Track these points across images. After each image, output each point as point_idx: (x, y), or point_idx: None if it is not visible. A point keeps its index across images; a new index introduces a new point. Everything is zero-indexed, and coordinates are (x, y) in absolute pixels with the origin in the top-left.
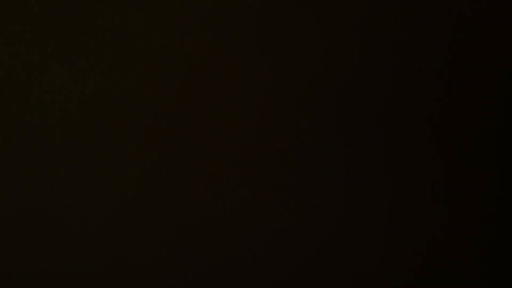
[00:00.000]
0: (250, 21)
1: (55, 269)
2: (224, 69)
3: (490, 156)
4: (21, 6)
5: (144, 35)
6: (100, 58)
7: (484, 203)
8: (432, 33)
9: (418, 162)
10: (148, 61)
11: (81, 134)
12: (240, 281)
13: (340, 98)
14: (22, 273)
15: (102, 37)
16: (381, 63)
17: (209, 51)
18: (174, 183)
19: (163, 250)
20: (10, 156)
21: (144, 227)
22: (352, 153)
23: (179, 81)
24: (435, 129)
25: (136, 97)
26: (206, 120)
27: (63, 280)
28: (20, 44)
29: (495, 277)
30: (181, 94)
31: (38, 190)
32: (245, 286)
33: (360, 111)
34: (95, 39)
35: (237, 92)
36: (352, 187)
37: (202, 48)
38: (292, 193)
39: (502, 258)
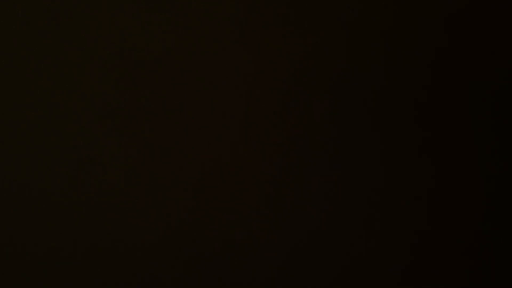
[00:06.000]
0: (241, 19)
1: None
2: (215, 68)
3: (488, 155)
4: (21, 6)
5: (139, 35)
6: (95, 58)
7: (481, 201)
8: (427, 30)
9: (412, 160)
10: (140, 60)
11: (80, 133)
12: (233, 279)
13: (332, 96)
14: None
15: (97, 38)
16: (375, 61)
17: (201, 49)
18: (168, 182)
19: (156, 248)
20: (11, 152)
21: (139, 227)
22: (345, 151)
23: (174, 81)
24: (430, 128)
25: (133, 96)
26: (198, 118)
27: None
28: (19, 44)
29: (493, 276)
30: (177, 94)
31: (39, 188)
32: (237, 283)
33: (353, 109)
34: (91, 39)
35: (228, 91)
36: (345, 184)
37: (195, 47)
38: (283, 191)
39: (498, 257)
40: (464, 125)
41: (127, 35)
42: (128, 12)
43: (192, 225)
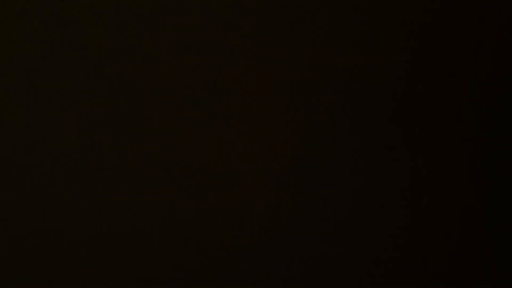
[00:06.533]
0: (247, 20)
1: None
2: (215, 68)
3: (488, 155)
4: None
5: (140, 34)
6: (94, 58)
7: (481, 201)
8: (427, 30)
9: (412, 160)
10: (146, 60)
11: (80, 133)
12: (233, 279)
13: (332, 96)
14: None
15: (97, 36)
16: (375, 61)
17: (206, 49)
18: (168, 181)
19: (156, 247)
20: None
21: (140, 226)
22: (345, 151)
23: (178, 81)
24: (430, 128)
25: (133, 97)
26: (198, 118)
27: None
28: (19, 44)
29: (493, 276)
30: (180, 94)
31: (38, 188)
32: (237, 283)
33: (353, 109)
34: (91, 39)
35: (228, 91)
36: (345, 184)
37: (195, 47)
38: (283, 191)
39: (498, 257)
40: (464, 125)
41: (127, 35)
42: (128, 12)
43: (192, 225)
